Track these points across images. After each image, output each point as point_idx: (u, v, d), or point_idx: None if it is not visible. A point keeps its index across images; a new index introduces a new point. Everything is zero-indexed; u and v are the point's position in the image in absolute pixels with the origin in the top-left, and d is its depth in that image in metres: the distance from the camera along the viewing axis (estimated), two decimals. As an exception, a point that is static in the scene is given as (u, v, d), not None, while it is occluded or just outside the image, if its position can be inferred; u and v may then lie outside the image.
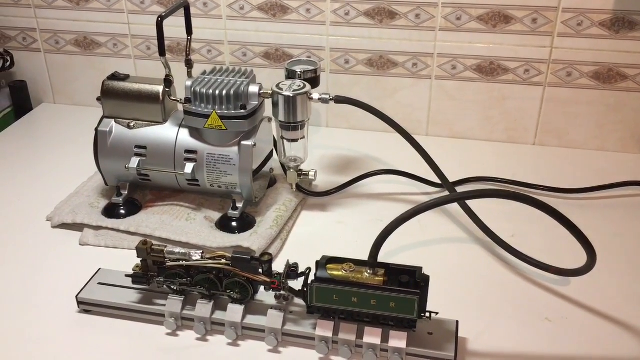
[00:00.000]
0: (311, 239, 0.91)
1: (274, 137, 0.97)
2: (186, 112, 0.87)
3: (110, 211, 0.93)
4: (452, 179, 0.96)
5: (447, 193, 1.00)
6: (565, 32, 1.05)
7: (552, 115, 1.12)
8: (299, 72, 0.92)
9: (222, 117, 0.85)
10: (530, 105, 1.12)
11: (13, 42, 1.26)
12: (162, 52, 0.83)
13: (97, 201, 0.95)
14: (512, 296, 0.79)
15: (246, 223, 0.90)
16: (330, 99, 0.87)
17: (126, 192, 0.94)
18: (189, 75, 0.92)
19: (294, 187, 0.94)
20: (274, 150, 0.98)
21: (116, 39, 1.22)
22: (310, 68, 0.93)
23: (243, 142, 0.87)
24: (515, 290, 0.81)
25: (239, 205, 0.90)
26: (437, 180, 0.97)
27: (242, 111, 0.85)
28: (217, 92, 0.85)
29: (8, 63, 1.22)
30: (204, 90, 0.85)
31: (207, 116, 0.86)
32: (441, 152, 0.97)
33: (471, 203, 0.92)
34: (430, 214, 0.96)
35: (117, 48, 1.23)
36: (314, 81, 0.93)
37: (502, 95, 1.12)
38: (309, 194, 0.98)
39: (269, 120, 0.93)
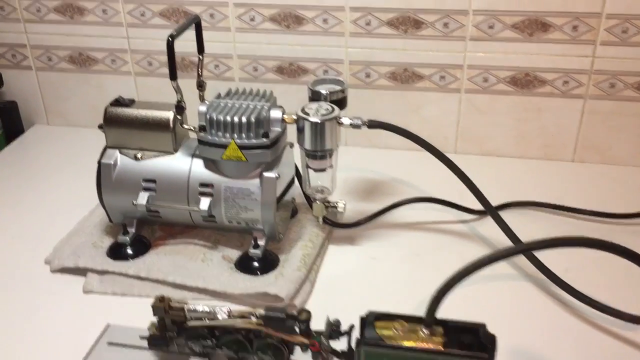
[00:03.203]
0: (343, 279, 0.81)
1: (295, 164, 0.88)
2: (201, 142, 0.77)
3: (116, 252, 0.83)
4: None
5: (488, 219, 0.91)
6: (609, 40, 0.96)
7: (593, 129, 1.03)
8: (324, 94, 0.82)
9: (241, 147, 0.76)
10: (569, 119, 1.03)
11: (1, 59, 1.15)
12: (173, 75, 0.74)
13: (101, 240, 0.85)
14: (576, 344, 0.71)
15: (269, 263, 0.81)
16: (363, 124, 0.78)
17: (133, 230, 0.84)
18: (201, 98, 0.82)
19: (321, 220, 0.85)
20: (295, 177, 0.89)
21: (114, 55, 1.12)
22: (337, 88, 0.83)
23: (265, 174, 0.78)
24: (579, 337, 0.72)
25: (261, 243, 0.81)
26: (467, 204, 0.88)
27: (264, 140, 0.76)
28: (236, 118, 0.75)
29: (-4, 83, 1.12)
30: (221, 117, 0.76)
31: (224, 146, 0.76)
32: (471, 171, 0.88)
33: (513, 228, 0.83)
34: (470, 244, 0.88)
35: (115, 64, 1.12)
36: (341, 103, 0.83)
37: (538, 108, 1.03)
38: (336, 226, 0.89)
39: (291, 146, 0.84)
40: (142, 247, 0.84)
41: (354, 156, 1.09)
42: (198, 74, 0.81)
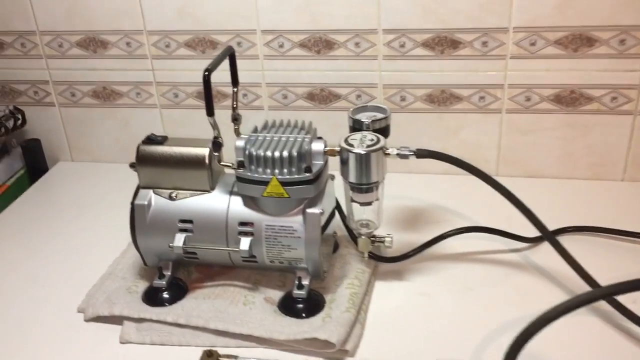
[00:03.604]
0: (393, 318, 0.76)
1: (336, 198, 0.83)
2: (240, 179, 0.73)
3: (152, 297, 0.78)
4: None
5: (540, 247, 0.86)
6: (659, 52, 0.91)
7: (644, 146, 0.98)
8: (366, 122, 0.78)
9: (283, 183, 0.71)
10: (619, 136, 0.98)
11: (23, 96, 1.13)
12: (210, 111, 0.70)
13: (135, 284, 0.81)
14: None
15: (315, 304, 0.76)
16: (411, 153, 0.73)
17: (169, 273, 0.80)
18: (237, 133, 0.78)
19: (366, 255, 0.80)
20: (335, 209, 0.84)
21: (139, 88, 1.08)
22: (380, 116, 0.79)
23: (309, 210, 0.73)
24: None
25: (305, 282, 0.76)
26: (515, 230, 0.83)
27: (307, 174, 0.71)
28: (277, 153, 0.71)
29: (19, 121, 1.09)
30: (260, 152, 0.72)
31: (265, 183, 0.72)
32: (515, 194, 0.84)
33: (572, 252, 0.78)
34: (525, 276, 0.83)
35: (140, 97, 1.09)
36: (384, 131, 0.79)
37: (585, 126, 0.98)
38: (382, 260, 0.84)
39: (332, 178, 0.79)
40: (179, 291, 0.80)
41: (390, 182, 1.04)
42: (233, 107, 0.78)
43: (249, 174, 0.72)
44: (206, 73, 0.68)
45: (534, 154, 1.02)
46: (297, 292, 0.76)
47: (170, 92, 1.08)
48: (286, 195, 0.72)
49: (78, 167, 1.17)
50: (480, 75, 0.98)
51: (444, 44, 0.96)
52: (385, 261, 0.84)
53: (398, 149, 0.73)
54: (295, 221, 0.74)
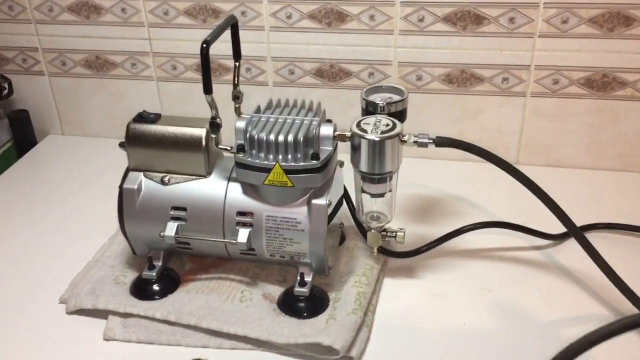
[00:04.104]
0: (403, 321, 0.69)
1: (344, 185, 0.76)
2: (239, 165, 0.66)
3: (141, 289, 0.72)
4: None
5: (564, 245, 0.79)
6: None
7: (680, 137, 0.90)
8: (380, 105, 0.70)
9: (287, 171, 0.64)
10: (652, 125, 0.90)
11: (11, 64, 1.05)
12: (208, 88, 0.62)
13: (124, 274, 0.75)
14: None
15: (318, 303, 0.69)
16: (430, 142, 0.66)
17: (160, 264, 0.73)
18: (237, 112, 0.71)
19: (375, 251, 0.73)
20: (343, 198, 0.77)
21: (135, 58, 1.00)
22: (397, 98, 0.71)
23: (314, 201, 0.66)
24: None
25: (308, 279, 0.70)
26: (537, 225, 0.76)
27: (314, 162, 0.64)
28: (282, 137, 0.64)
29: (6, 91, 1.02)
30: (263, 136, 0.64)
31: (267, 170, 0.64)
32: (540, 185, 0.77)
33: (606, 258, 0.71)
34: (548, 276, 0.76)
35: (135, 68, 1.01)
36: (401, 115, 0.71)
37: (615, 113, 0.91)
38: (392, 255, 0.77)
39: (341, 164, 0.72)
40: (170, 283, 0.73)
41: (403, 168, 0.96)
42: (234, 83, 0.70)
43: (249, 159, 0.65)
44: (204, 45, 0.60)
45: (559, 141, 0.94)
46: (298, 290, 0.69)
47: (168, 63, 1.00)
48: (290, 184, 0.65)
49: (69, 141, 1.10)
50: (505, 54, 0.89)
51: (466, 19, 0.88)
52: (395, 256, 0.77)
53: (416, 136, 0.65)
54: (299, 212, 0.67)
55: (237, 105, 0.71)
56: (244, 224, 0.68)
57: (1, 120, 1.05)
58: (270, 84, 0.98)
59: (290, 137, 0.64)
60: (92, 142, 1.08)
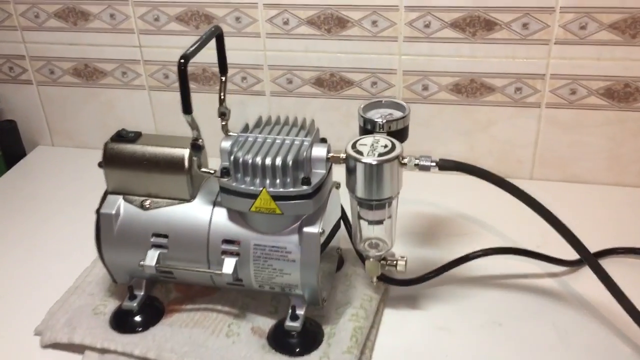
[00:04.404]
0: (404, 358, 0.64)
1: (342, 206, 0.70)
2: (223, 190, 0.60)
3: (120, 321, 0.67)
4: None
5: (581, 271, 0.72)
6: None
7: None
8: (380, 122, 0.64)
9: (275, 197, 0.58)
10: (679, 139, 0.83)
11: (-2, 73, 1.01)
12: (187, 108, 0.57)
13: (104, 303, 0.69)
14: None
15: (311, 338, 0.63)
16: (433, 165, 0.60)
17: (142, 293, 0.68)
18: (224, 130, 0.65)
19: (375, 280, 0.67)
20: (341, 220, 0.71)
21: (125, 66, 0.95)
22: (397, 115, 0.65)
23: (306, 230, 0.60)
24: None
25: (300, 312, 0.64)
26: (551, 248, 0.69)
27: (305, 187, 0.58)
28: (269, 160, 0.58)
29: (-10, 102, 0.97)
30: (248, 158, 0.58)
31: (253, 196, 0.59)
32: (552, 201, 0.70)
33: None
34: (565, 308, 0.69)
35: (126, 77, 0.96)
36: (402, 134, 0.65)
37: (638, 126, 0.84)
38: (393, 283, 0.71)
39: (337, 186, 0.66)
40: (153, 313, 0.68)
41: (404, 183, 0.91)
42: (220, 98, 0.64)
43: (234, 184, 0.59)
44: (182, 61, 0.55)
45: (576, 155, 0.88)
46: (290, 324, 0.63)
47: (159, 72, 0.94)
48: (278, 212, 0.59)
49: (59, 152, 1.05)
50: (518, 62, 0.83)
51: (476, 24, 0.82)
52: (397, 284, 0.71)
53: (417, 159, 0.59)
54: (289, 241, 0.61)
55: (223, 123, 0.65)
56: (230, 253, 0.62)
57: (-12, 132, 1.01)
58: (267, 93, 0.93)
59: (279, 160, 0.58)
60: (82, 154, 1.03)
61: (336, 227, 0.70)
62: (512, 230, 0.80)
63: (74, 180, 0.97)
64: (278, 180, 0.58)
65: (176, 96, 1.01)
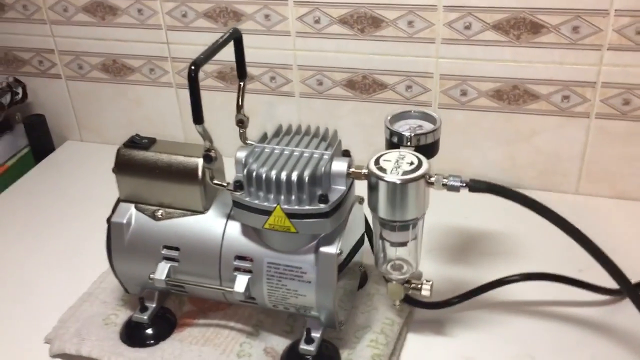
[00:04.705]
0: (427, 391, 0.59)
1: (366, 218, 0.66)
2: (236, 204, 0.57)
3: (131, 334, 0.64)
4: (627, 269, 0.60)
5: (626, 302, 0.66)
6: None
7: None
8: (407, 136, 0.59)
9: (290, 215, 0.54)
10: None
11: (27, 66, 0.99)
12: (198, 117, 0.53)
13: (116, 312, 0.67)
14: None
15: (326, 362, 0.60)
16: (463, 185, 0.55)
17: (154, 305, 0.65)
18: (243, 139, 0.62)
19: (397, 304, 0.63)
20: (365, 235, 0.67)
21: (153, 63, 0.93)
22: (428, 128, 0.60)
23: (323, 250, 0.56)
24: None
25: (316, 335, 0.60)
26: (594, 275, 0.63)
27: (322, 206, 0.54)
28: (284, 175, 0.54)
29: (19, 95, 0.96)
30: (262, 172, 0.55)
31: (267, 212, 0.55)
32: (599, 219, 0.64)
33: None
34: (604, 341, 0.62)
35: (154, 74, 0.93)
36: (431, 150, 0.60)
37: (699, 142, 0.77)
38: (418, 306, 0.66)
39: (361, 201, 0.62)
40: (165, 326, 0.65)
41: (435, 193, 0.86)
42: (238, 105, 0.61)
43: (247, 198, 0.56)
44: (192, 67, 0.52)
45: (628, 170, 0.81)
46: (304, 348, 0.59)
47: (187, 70, 0.91)
48: (293, 230, 0.55)
49: (87, 148, 1.03)
50: (567, 69, 0.76)
51: (521, 27, 0.75)
52: (422, 307, 0.66)
53: (445, 178, 0.54)
54: (305, 261, 0.57)
55: (241, 131, 0.62)
56: (242, 270, 0.59)
57: (17, 125, 1.00)
58: (297, 94, 0.88)
59: (294, 176, 0.54)
60: (111, 150, 0.99)
61: (359, 244, 0.65)
62: (552, 251, 0.74)
63: (101, 178, 0.93)
64: (293, 197, 0.54)
65: (203, 95, 0.98)
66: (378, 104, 0.86)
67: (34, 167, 1.00)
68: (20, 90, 0.96)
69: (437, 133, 0.60)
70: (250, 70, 0.88)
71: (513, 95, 0.80)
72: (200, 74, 0.95)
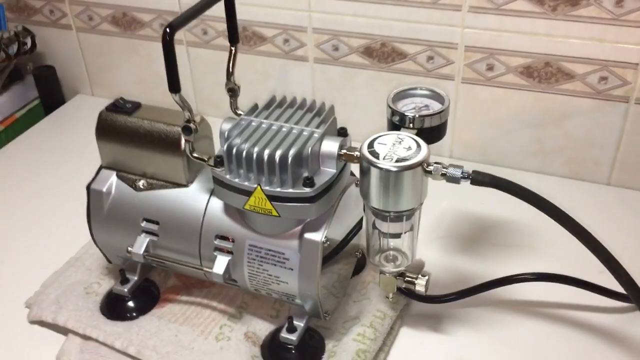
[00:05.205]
0: (413, 394, 0.55)
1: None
2: (216, 181, 0.52)
3: (110, 306, 0.61)
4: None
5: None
6: None
7: None
8: (410, 117, 0.53)
9: (272, 197, 0.50)
10: None
11: (38, 15, 0.96)
12: (173, 86, 0.48)
13: (99, 281, 0.64)
14: None
15: (309, 354, 0.56)
16: (464, 177, 0.49)
17: (136, 278, 0.62)
18: (233, 108, 0.57)
19: (391, 296, 0.58)
20: (364, 219, 0.62)
21: (163, 18, 0.88)
22: (434, 109, 0.54)
23: (307, 236, 0.52)
24: None
25: (299, 323, 0.56)
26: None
27: (307, 190, 0.49)
28: (266, 153, 0.49)
29: (27, 45, 0.93)
30: (243, 149, 0.50)
31: (248, 193, 0.50)
32: (631, 214, 0.57)
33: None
34: (620, 353, 0.58)
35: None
36: (437, 133, 0.54)
37: None
38: (414, 299, 0.61)
39: (357, 184, 0.57)
40: (147, 299, 0.62)
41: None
42: (228, 72, 0.56)
43: (227, 176, 0.51)
44: (168, 30, 0.47)
45: (667, 163, 0.73)
46: (285, 336, 0.55)
47: (197, 27, 0.86)
48: (275, 214, 0.50)
49: (97, 103, 0.98)
50: (607, 47, 0.68)
51: (558, -3, 0.68)
52: (420, 300, 0.61)
53: (445, 168, 0.48)
54: (287, 246, 0.53)
55: (232, 100, 0.57)
56: (222, 250, 0.55)
57: (27, 76, 0.97)
58: (311, 59, 0.83)
59: (278, 155, 0.49)
60: None
61: (357, 227, 0.61)
62: (573, 248, 0.66)
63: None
64: (275, 178, 0.50)
65: (215, 55, 0.93)
66: (396, 74, 0.79)
67: (42, 120, 0.97)
68: (29, 40, 0.92)
69: (445, 114, 0.54)
70: (262, 31, 0.83)
71: (545, 73, 0.73)
72: (212, 32, 0.90)
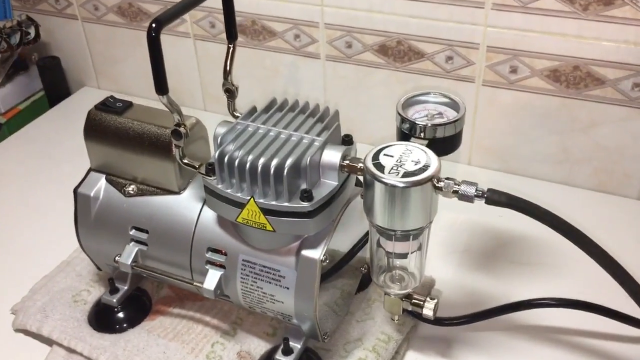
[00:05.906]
0: None
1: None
2: (208, 191, 0.48)
3: (99, 316, 0.58)
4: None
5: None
6: None
7: None
8: (421, 125, 0.48)
9: (266, 211, 0.46)
10: None
11: (43, 3, 0.92)
12: (161, 87, 0.44)
13: (88, 289, 0.61)
14: None
15: (305, 378, 0.52)
16: (478, 195, 0.44)
17: (126, 287, 0.58)
18: (230, 111, 0.52)
19: (396, 318, 0.54)
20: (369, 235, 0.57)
21: (170, 9, 0.84)
22: (449, 117, 0.49)
23: (305, 253, 0.47)
24: None
25: (295, 344, 0.52)
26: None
27: (305, 204, 0.45)
28: (260, 163, 0.45)
29: (30, 35, 0.89)
30: (236, 156, 0.46)
31: (240, 205, 0.46)
32: None
33: None
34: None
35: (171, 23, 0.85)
36: (450, 144, 0.49)
37: None
38: (423, 320, 0.57)
39: (362, 195, 0.52)
40: (137, 311, 0.59)
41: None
42: (225, 71, 0.51)
43: (219, 185, 0.47)
44: (153, 25, 0.42)
45: None
46: (280, 359, 0.51)
47: (205, 19, 0.82)
48: (269, 229, 0.46)
49: (103, 95, 0.96)
50: (642, 51, 0.63)
51: (590, -4, 0.62)
52: (428, 322, 0.57)
53: (457, 185, 0.44)
54: (283, 263, 0.48)
55: (230, 101, 0.53)
56: (214, 264, 0.51)
57: (32, 67, 0.94)
58: (322, 57, 0.78)
59: (273, 164, 0.44)
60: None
61: (363, 240, 0.56)
62: (597, 268, 0.62)
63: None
64: (270, 190, 0.45)
65: (222, 48, 0.89)
66: (413, 74, 0.74)
67: (46, 112, 0.94)
68: (32, 30, 0.89)
69: (460, 124, 0.49)
70: (272, 25, 0.79)
71: (573, 78, 0.67)
72: (220, 25, 0.86)
